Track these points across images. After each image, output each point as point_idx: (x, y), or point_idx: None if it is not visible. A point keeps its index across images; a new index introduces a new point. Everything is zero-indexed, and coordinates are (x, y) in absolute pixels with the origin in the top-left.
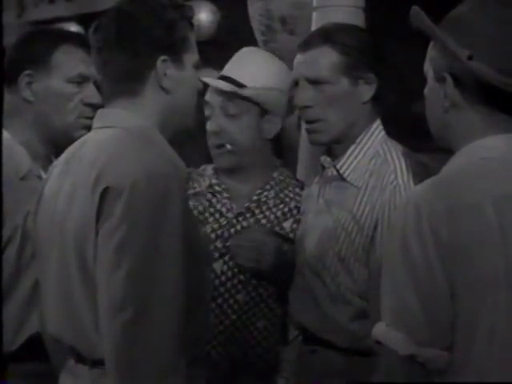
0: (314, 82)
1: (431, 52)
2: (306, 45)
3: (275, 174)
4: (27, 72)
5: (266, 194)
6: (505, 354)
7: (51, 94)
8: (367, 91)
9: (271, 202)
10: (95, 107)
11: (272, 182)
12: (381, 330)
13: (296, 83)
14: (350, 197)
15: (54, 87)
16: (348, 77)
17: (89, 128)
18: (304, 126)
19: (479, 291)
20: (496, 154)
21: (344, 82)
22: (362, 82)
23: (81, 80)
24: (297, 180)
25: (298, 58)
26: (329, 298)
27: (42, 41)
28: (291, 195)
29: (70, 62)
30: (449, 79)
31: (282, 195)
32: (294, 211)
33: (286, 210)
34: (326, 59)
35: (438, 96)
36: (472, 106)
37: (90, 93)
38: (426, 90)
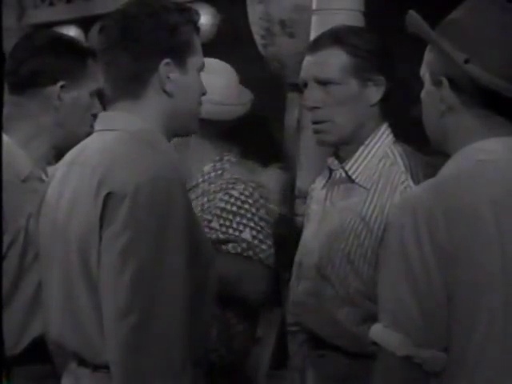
0: (323, 83)
1: (428, 56)
2: (316, 46)
3: (206, 168)
4: (61, 83)
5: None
6: (501, 356)
7: (77, 106)
8: (376, 93)
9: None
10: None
11: (198, 175)
12: (378, 331)
13: (305, 84)
14: (358, 198)
15: (82, 99)
16: (357, 78)
17: None
18: (311, 126)
19: (476, 293)
20: (493, 156)
21: (353, 83)
22: (371, 84)
23: (97, 94)
24: (236, 178)
25: (307, 59)
26: (337, 302)
27: (76, 53)
28: (200, 186)
29: (94, 76)
30: (445, 83)
31: (199, 188)
32: None
33: None
34: (335, 60)
35: (434, 99)
36: (469, 110)
37: (97, 104)
38: (422, 94)
